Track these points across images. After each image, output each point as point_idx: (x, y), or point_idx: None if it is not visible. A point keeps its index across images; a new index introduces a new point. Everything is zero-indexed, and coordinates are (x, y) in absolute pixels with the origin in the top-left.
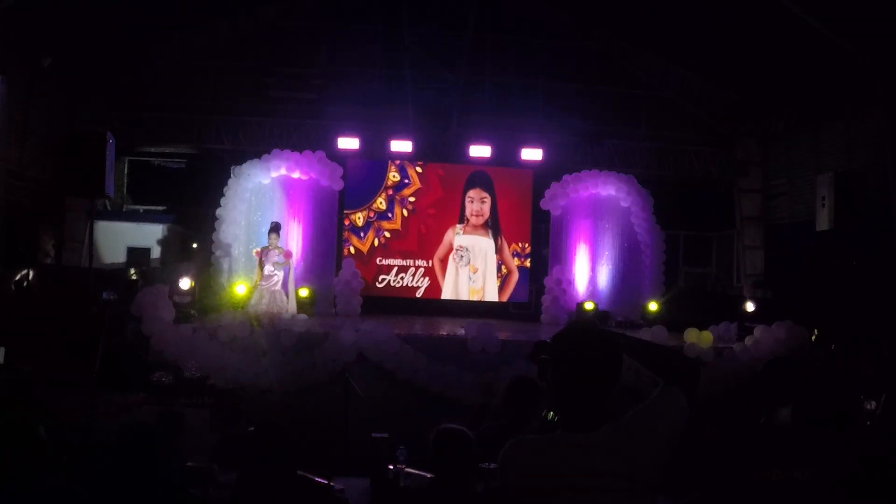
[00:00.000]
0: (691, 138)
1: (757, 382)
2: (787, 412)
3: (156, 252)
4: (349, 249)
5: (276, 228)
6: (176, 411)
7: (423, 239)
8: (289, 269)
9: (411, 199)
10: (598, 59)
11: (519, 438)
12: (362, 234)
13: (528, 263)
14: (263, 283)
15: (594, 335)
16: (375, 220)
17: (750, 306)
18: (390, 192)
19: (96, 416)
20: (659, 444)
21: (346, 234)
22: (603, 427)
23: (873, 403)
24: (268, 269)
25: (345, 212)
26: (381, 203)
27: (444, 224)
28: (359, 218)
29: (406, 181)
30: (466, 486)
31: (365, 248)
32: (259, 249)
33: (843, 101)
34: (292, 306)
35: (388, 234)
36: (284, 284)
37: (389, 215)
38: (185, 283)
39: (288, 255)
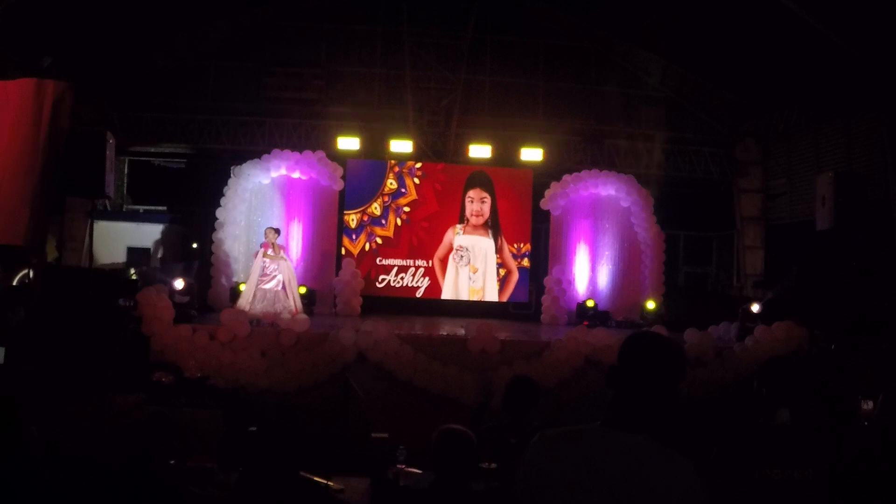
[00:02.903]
0: (691, 138)
1: (755, 382)
2: (785, 412)
3: (156, 252)
4: (376, 241)
5: (276, 229)
6: (163, 412)
7: (413, 250)
8: (288, 268)
9: (406, 209)
10: (598, 59)
11: (543, 433)
12: (354, 237)
13: (527, 263)
14: (262, 283)
15: (664, 345)
16: (370, 224)
17: (755, 307)
18: (386, 198)
19: (98, 417)
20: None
21: (368, 228)
22: (643, 434)
23: (870, 403)
24: (269, 268)
25: (348, 211)
26: (375, 208)
27: (444, 224)
28: (375, 208)
29: (403, 190)
30: (466, 487)
31: (355, 251)
32: (266, 243)
33: (843, 101)
34: (299, 305)
35: (379, 241)
36: (285, 285)
37: (383, 221)
38: (185, 284)
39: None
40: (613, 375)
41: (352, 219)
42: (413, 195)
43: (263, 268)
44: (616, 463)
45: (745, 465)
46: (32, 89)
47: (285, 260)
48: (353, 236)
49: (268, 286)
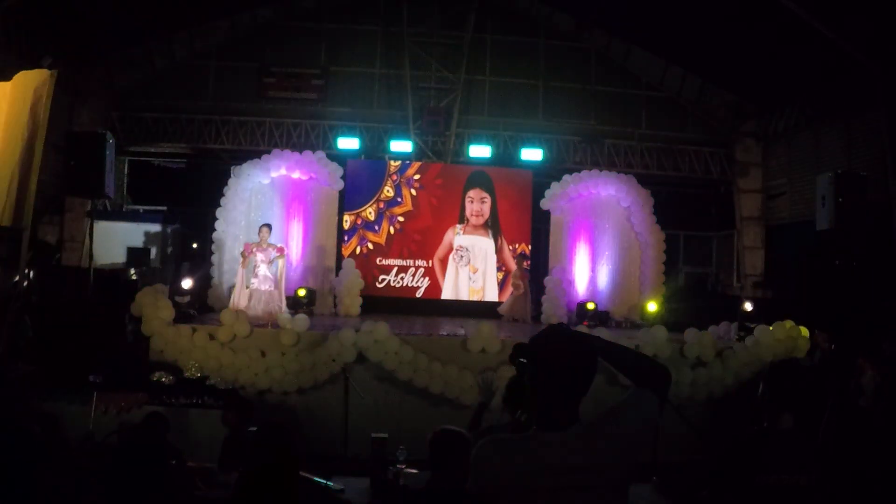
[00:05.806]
0: (691, 138)
1: (760, 386)
2: (788, 417)
3: (156, 252)
4: (367, 246)
5: (268, 226)
6: (163, 412)
7: (408, 255)
8: (279, 267)
9: (400, 218)
10: (598, 59)
11: (490, 438)
12: (346, 238)
13: (528, 264)
14: (255, 283)
15: (570, 338)
16: (363, 228)
17: (748, 306)
18: (381, 205)
19: (97, 417)
20: (627, 441)
21: (360, 231)
22: (574, 426)
23: (871, 403)
24: (262, 269)
25: (346, 212)
26: (370, 213)
27: (444, 224)
28: (370, 213)
29: (399, 200)
30: (464, 487)
31: (346, 253)
32: (250, 244)
33: (843, 101)
34: (284, 306)
35: (371, 246)
36: (276, 283)
37: (376, 228)
38: (186, 284)
39: (281, 250)
40: (539, 380)
41: (345, 220)
42: (409, 206)
43: (255, 268)
44: (563, 462)
45: (751, 471)
46: (19, 80)
47: (282, 257)
48: (346, 237)
49: (264, 287)
